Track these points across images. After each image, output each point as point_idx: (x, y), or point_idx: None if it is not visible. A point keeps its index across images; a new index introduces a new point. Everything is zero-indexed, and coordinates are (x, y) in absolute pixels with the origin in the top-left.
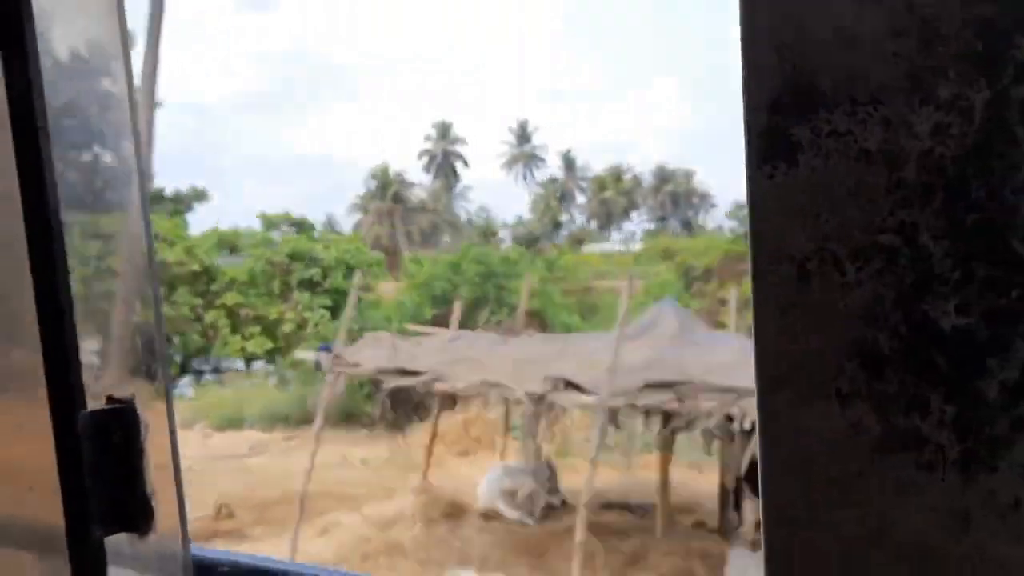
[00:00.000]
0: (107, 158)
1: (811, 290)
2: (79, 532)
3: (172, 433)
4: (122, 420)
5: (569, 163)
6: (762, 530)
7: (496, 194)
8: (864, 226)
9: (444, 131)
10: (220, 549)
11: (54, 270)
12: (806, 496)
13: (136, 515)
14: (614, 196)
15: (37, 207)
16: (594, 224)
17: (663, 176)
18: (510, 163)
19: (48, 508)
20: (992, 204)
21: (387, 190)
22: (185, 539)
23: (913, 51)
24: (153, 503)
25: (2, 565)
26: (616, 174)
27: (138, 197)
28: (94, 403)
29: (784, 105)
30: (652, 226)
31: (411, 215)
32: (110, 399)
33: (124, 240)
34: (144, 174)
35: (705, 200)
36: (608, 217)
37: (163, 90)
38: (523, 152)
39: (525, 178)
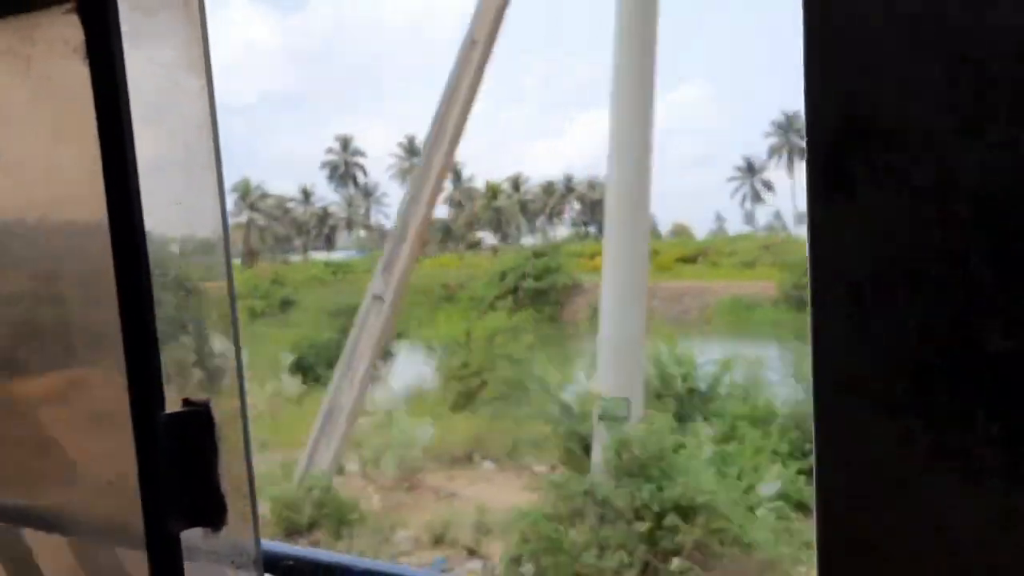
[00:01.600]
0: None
1: (866, 311)
2: (156, 527)
3: (245, 434)
4: (198, 422)
5: (457, 175)
6: (815, 531)
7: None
8: (917, 254)
9: (345, 143)
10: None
11: (138, 281)
12: (859, 503)
13: (210, 511)
14: (508, 204)
15: (124, 221)
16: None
17: (570, 186)
18: (400, 174)
19: (128, 504)
20: None
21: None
22: (256, 534)
23: (967, 99)
24: (226, 500)
25: (85, 557)
26: (515, 183)
27: (218, 212)
28: (172, 406)
29: (844, 143)
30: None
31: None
32: (187, 402)
33: (203, 254)
34: (222, 187)
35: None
36: (499, 224)
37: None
38: (411, 164)
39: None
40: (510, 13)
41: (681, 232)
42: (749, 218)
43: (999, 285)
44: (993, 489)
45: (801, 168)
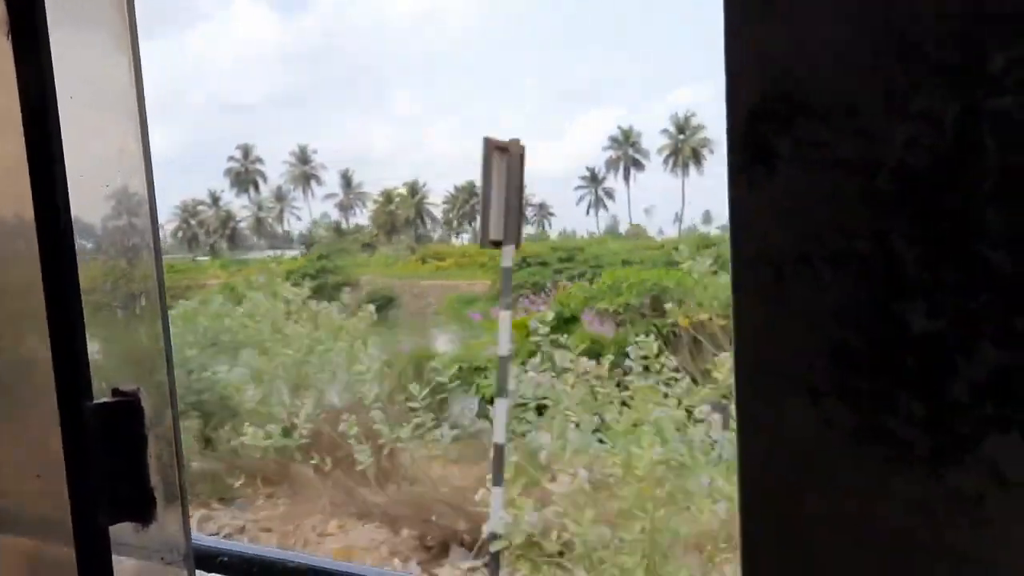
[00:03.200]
0: (112, 154)
1: (788, 292)
2: (85, 521)
3: (175, 424)
4: (127, 413)
5: (347, 181)
6: (739, 522)
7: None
8: (840, 232)
9: (247, 152)
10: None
11: (63, 267)
12: (782, 489)
13: (140, 505)
14: (400, 209)
15: (47, 205)
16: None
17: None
18: (294, 180)
19: (55, 497)
20: (962, 212)
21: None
22: (186, 528)
23: (891, 66)
24: (156, 494)
25: (10, 551)
26: (412, 189)
27: (146, 198)
28: (100, 396)
29: (764, 114)
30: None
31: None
32: (116, 392)
33: (132, 240)
34: (151, 184)
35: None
36: (392, 227)
37: (197, 89)
38: (303, 171)
39: (306, 194)
40: None
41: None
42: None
43: (922, 264)
44: (919, 473)
45: (636, 179)
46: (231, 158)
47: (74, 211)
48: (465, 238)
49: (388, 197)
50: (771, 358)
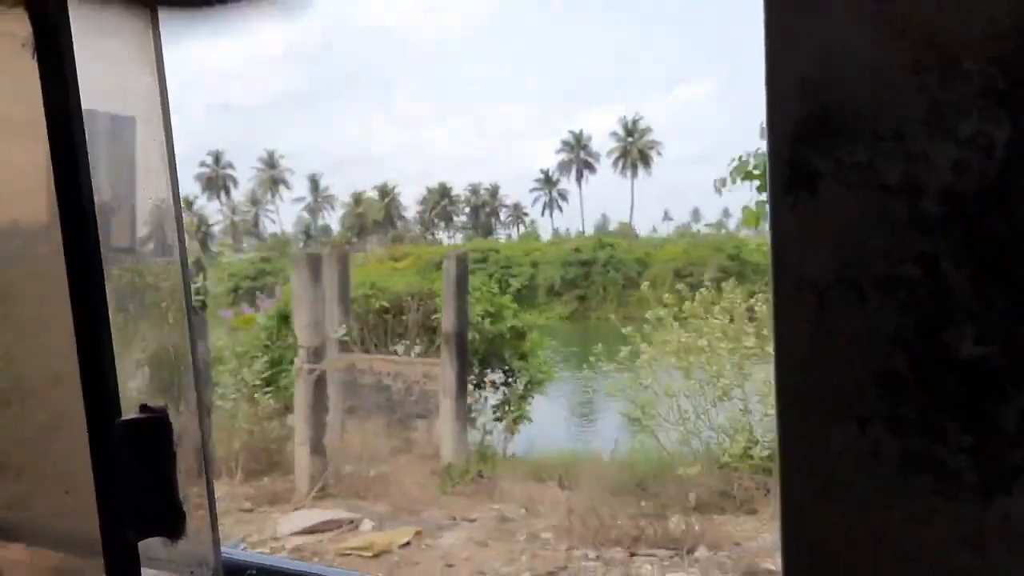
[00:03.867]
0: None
1: (832, 317)
2: (114, 536)
3: (204, 441)
4: (155, 429)
5: (315, 184)
6: (782, 548)
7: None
8: (885, 256)
9: (218, 157)
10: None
11: (91, 284)
12: (827, 516)
13: (168, 520)
14: (368, 212)
15: (76, 221)
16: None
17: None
18: (261, 185)
19: (85, 513)
20: (1011, 237)
21: None
22: (216, 543)
23: (934, 87)
24: (185, 508)
25: (41, 566)
26: (383, 192)
27: (174, 217)
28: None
29: (807, 136)
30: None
31: None
32: (144, 408)
33: (159, 255)
34: (178, 200)
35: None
36: (361, 229)
37: (202, 91)
38: (271, 176)
39: (272, 197)
40: None
41: None
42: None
43: (971, 289)
44: (967, 503)
45: (588, 180)
46: (202, 163)
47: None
48: (441, 237)
49: (357, 200)
50: (815, 385)
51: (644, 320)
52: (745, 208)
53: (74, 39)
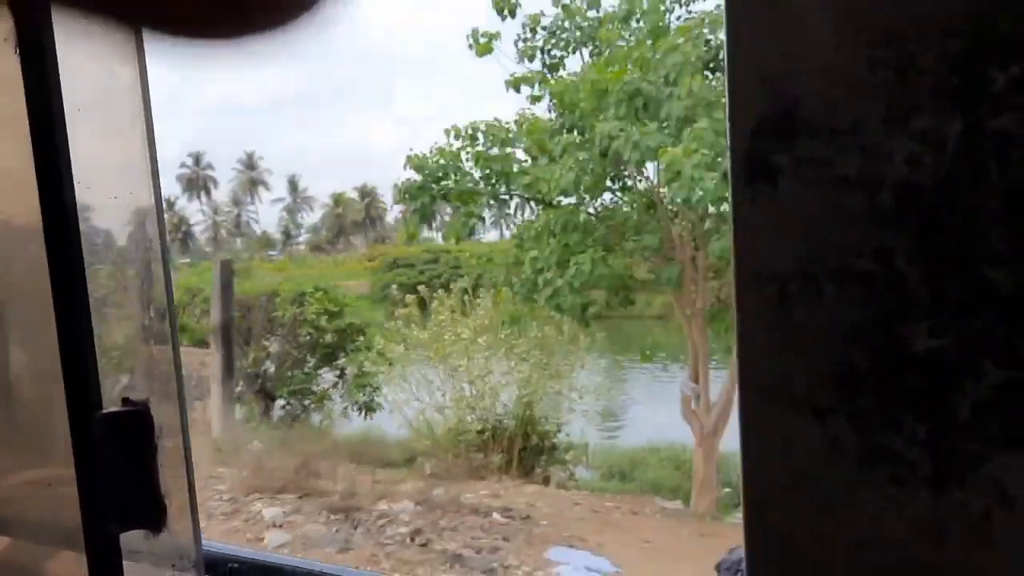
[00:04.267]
0: (122, 169)
1: (792, 310)
2: (95, 528)
3: (184, 433)
4: (137, 422)
5: (294, 186)
6: (744, 539)
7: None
8: (842, 249)
9: (198, 159)
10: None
11: (72, 276)
12: (788, 508)
13: (150, 513)
14: (347, 212)
15: (56, 214)
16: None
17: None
18: (241, 186)
19: (67, 506)
20: (965, 232)
21: None
22: (197, 535)
23: (891, 83)
24: (166, 501)
25: (22, 558)
26: (363, 193)
27: (153, 207)
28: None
29: (766, 131)
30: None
31: None
32: (125, 401)
33: (140, 250)
34: (160, 199)
35: None
36: (340, 230)
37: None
38: (250, 177)
39: (252, 198)
40: None
41: None
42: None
43: (926, 282)
44: (923, 492)
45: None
46: (183, 164)
47: (82, 221)
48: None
49: (337, 201)
50: (775, 376)
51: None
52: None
53: (56, 37)
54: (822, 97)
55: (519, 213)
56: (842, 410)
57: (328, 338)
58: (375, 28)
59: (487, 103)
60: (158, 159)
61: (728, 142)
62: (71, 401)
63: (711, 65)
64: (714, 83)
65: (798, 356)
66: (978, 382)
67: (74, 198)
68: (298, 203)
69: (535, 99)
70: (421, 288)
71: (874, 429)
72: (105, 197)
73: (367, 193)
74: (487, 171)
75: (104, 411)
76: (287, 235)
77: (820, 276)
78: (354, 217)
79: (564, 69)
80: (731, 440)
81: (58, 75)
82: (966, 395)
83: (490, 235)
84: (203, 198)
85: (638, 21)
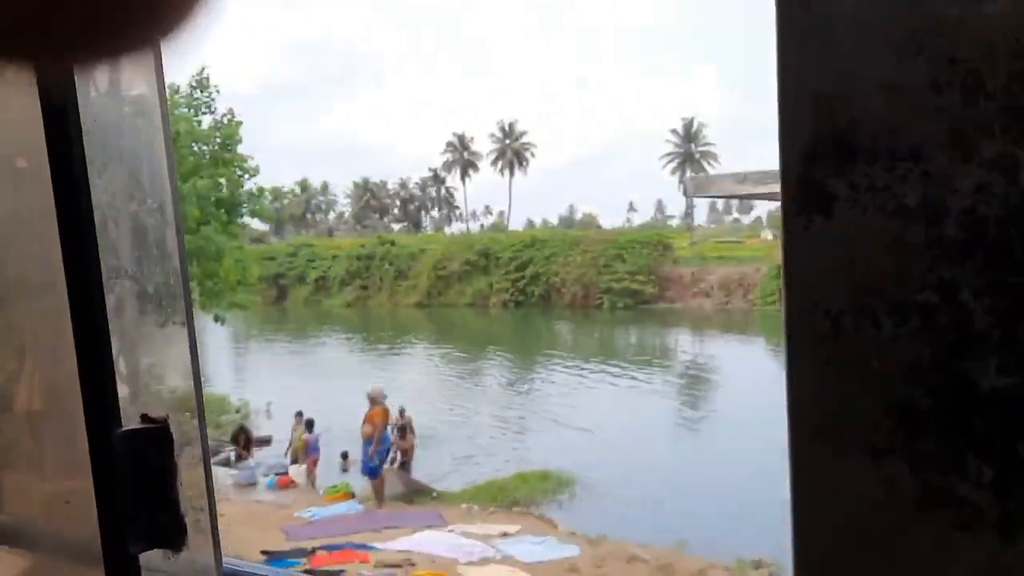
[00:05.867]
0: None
1: (847, 344)
2: (114, 547)
3: (205, 451)
4: (156, 440)
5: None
6: None
7: None
8: (902, 282)
9: None
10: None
11: (91, 293)
12: (840, 554)
13: (169, 532)
14: (288, 206)
15: (75, 231)
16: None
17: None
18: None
19: (86, 523)
20: None
21: None
22: (217, 554)
23: (956, 105)
24: (186, 520)
25: (42, 575)
26: (303, 186)
27: (172, 219)
28: (130, 423)
29: (820, 155)
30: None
31: None
32: (144, 418)
33: (159, 265)
34: (179, 214)
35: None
36: (279, 222)
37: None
38: None
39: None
40: None
41: None
42: None
43: (992, 317)
44: (987, 539)
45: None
46: None
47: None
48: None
49: (276, 194)
50: (829, 415)
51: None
52: None
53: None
54: (881, 120)
55: None
56: (900, 451)
57: None
58: None
59: None
60: (175, 164)
61: (780, 166)
62: (90, 419)
63: None
64: None
65: (853, 393)
66: None
67: (91, 208)
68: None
69: None
70: None
71: (935, 471)
72: (122, 204)
73: (306, 186)
74: None
75: (124, 429)
76: None
77: (877, 309)
78: (292, 211)
79: None
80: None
81: (78, 111)
82: None
83: None
84: None
85: None
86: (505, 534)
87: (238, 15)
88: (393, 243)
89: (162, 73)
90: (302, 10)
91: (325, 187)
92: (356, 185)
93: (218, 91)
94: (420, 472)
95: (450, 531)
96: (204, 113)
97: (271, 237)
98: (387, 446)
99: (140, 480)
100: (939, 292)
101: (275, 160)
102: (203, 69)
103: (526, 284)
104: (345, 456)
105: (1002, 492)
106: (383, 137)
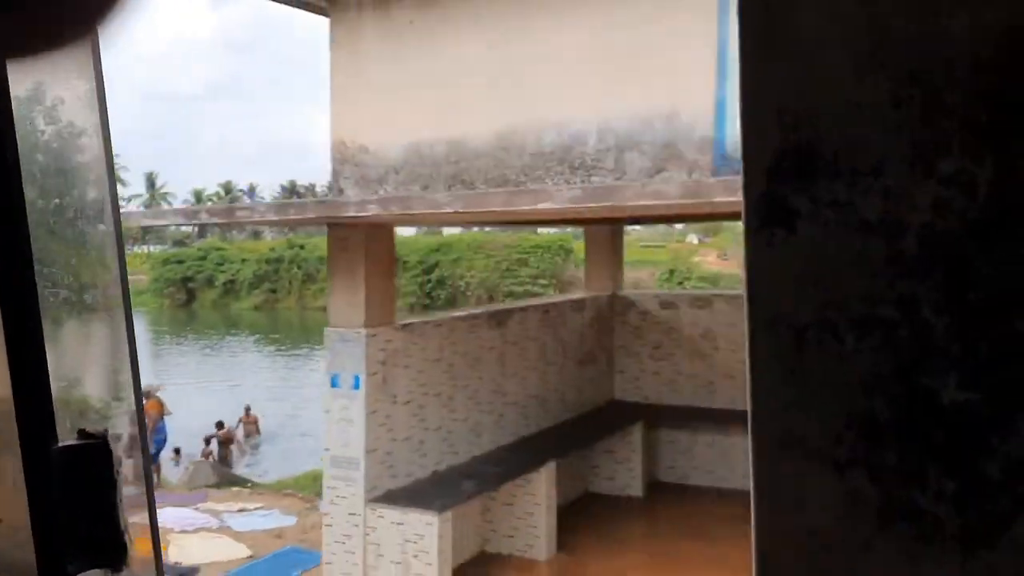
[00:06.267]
0: (80, 195)
1: (809, 357)
2: (52, 568)
3: (146, 467)
4: (95, 455)
5: (151, 182)
6: None
7: None
8: (863, 296)
9: None
10: None
11: (25, 303)
12: (802, 568)
13: (110, 551)
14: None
15: (9, 238)
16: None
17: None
18: None
19: (20, 543)
20: (995, 281)
21: None
22: (160, 573)
23: (916, 122)
24: (126, 538)
25: None
26: (226, 188)
27: (113, 231)
28: (67, 437)
29: (783, 171)
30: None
31: None
32: (82, 433)
33: (97, 273)
34: (117, 210)
35: None
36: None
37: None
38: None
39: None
40: None
41: None
42: None
43: (953, 333)
44: (949, 553)
45: None
46: None
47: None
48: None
49: (198, 197)
50: (791, 428)
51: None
52: None
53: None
54: (843, 136)
55: None
56: (862, 463)
57: None
58: None
59: None
60: (115, 165)
61: (743, 181)
62: (24, 434)
63: None
64: None
65: (815, 406)
66: (1010, 438)
67: (24, 210)
68: (156, 199)
69: None
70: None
71: (896, 483)
72: (58, 214)
73: (230, 189)
74: None
75: (60, 444)
76: (145, 231)
77: (839, 324)
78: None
79: None
80: None
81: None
82: (997, 451)
83: None
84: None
85: None
86: (242, 510)
87: (173, 10)
88: (303, 247)
89: (100, 67)
90: (237, 7)
91: (252, 189)
92: (283, 188)
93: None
94: (264, 465)
95: (196, 508)
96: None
97: (196, 240)
98: (163, 436)
99: (79, 498)
100: (900, 307)
101: (204, 162)
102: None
103: (432, 288)
104: (177, 451)
105: (963, 505)
106: (314, 138)
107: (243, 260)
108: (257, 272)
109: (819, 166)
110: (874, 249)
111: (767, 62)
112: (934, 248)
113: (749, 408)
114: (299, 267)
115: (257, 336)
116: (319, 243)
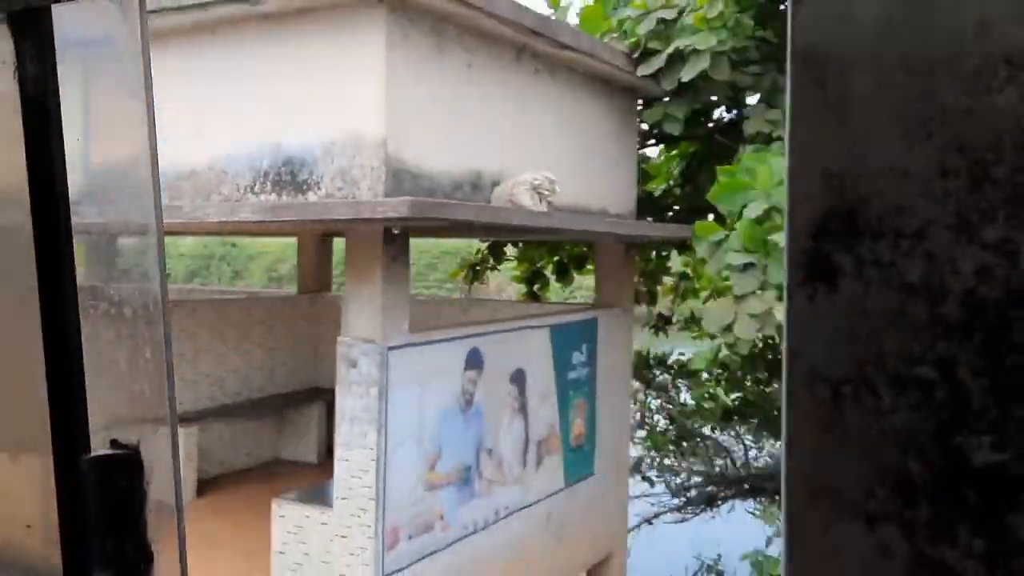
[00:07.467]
0: (123, 207)
1: (846, 413)
2: None
3: (176, 479)
4: (125, 466)
5: None
6: None
7: None
8: (902, 356)
9: None
10: None
11: (64, 313)
12: None
13: (135, 561)
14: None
15: (50, 249)
16: None
17: None
18: None
19: (48, 551)
20: None
21: None
22: None
23: (962, 191)
24: (153, 549)
25: None
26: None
27: (154, 240)
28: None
29: (828, 230)
30: None
31: None
32: (115, 443)
33: (135, 284)
34: (160, 220)
35: None
36: None
37: None
38: None
39: None
40: None
41: None
42: None
43: (989, 397)
44: None
45: None
46: None
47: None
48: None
49: None
50: (826, 481)
51: None
52: None
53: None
54: (888, 199)
55: None
56: (894, 517)
57: None
58: None
59: None
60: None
61: (786, 236)
62: (56, 443)
63: None
64: None
65: (850, 459)
66: None
67: (68, 217)
68: None
69: None
70: None
71: (927, 540)
72: (101, 233)
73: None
74: None
75: (92, 454)
76: None
77: (877, 381)
78: None
79: None
80: None
81: (59, 99)
82: None
83: None
84: None
85: None
86: None
87: None
88: (235, 244)
89: (151, 86)
90: None
91: None
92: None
93: None
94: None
95: None
96: None
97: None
98: None
99: (107, 508)
100: (937, 369)
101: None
102: None
103: None
104: None
105: (992, 563)
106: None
107: (179, 255)
108: (190, 268)
109: (863, 227)
110: (915, 310)
111: (816, 124)
112: (975, 313)
113: (783, 459)
114: (228, 264)
115: None
116: (251, 242)
